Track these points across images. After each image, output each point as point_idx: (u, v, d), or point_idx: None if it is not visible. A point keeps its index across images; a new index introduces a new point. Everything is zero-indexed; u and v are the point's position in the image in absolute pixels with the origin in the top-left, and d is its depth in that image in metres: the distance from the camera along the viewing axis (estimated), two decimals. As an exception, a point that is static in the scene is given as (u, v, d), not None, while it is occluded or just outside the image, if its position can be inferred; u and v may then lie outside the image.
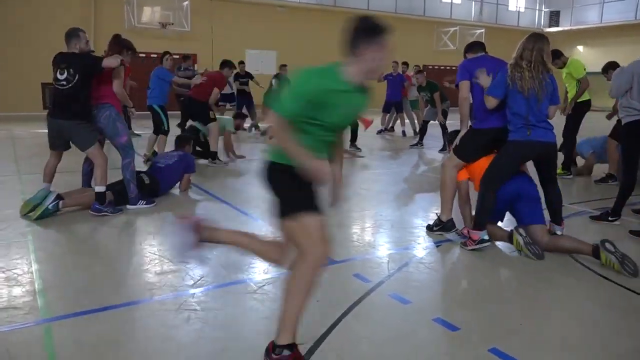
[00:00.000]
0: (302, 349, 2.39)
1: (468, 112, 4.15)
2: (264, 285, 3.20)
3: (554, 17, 28.36)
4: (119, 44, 5.03)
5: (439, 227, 4.27)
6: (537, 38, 3.72)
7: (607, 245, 3.51)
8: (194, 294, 3.07)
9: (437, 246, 4.05)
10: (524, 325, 2.74)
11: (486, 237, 3.83)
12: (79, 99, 4.62)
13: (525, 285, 3.41)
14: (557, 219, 4.04)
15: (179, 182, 5.74)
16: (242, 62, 12.20)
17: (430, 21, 24.39)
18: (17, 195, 5.41)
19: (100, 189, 4.70)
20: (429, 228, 4.38)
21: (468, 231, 3.95)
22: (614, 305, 3.00)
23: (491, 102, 3.82)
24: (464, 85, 4.10)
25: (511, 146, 3.79)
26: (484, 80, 3.92)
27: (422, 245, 4.08)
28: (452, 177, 4.16)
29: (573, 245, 3.74)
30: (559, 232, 3.99)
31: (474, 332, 2.65)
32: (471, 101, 4.16)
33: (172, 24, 18.68)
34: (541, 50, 3.66)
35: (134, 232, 4.47)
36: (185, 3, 18.64)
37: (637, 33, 24.25)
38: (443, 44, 23.83)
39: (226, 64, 8.14)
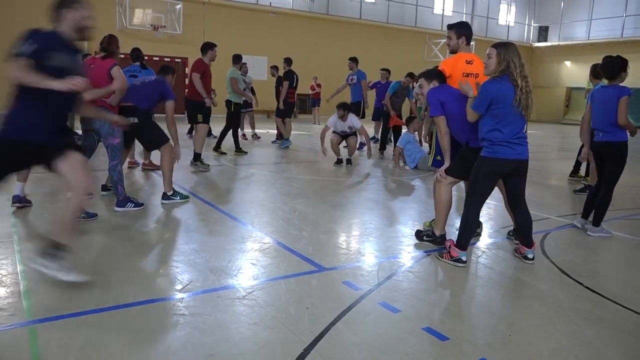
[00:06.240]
0: (292, 355, 2.38)
1: (450, 145, 4.12)
2: (253, 292, 3.18)
3: (543, 32, 28.86)
4: (118, 46, 5.04)
5: (430, 240, 4.28)
6: (514, 48, 3.65)
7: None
8: (183, 298, 3.04)
9: (427, 255, 4.06)
10: (514, 337, 2.75)
11: (464, 259, 3.82)
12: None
13: (514, 297, 3.44)
14: (526, 240, 3.92)
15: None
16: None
17: (422, 32, 24.66)
18: (2, 194, 5.33)
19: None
20: (418, 235, 4.38)
21: (450, 245, 3.91)
22: (604, 319, 3.02)
23: (474, 116, 3.74)
24: (441, 121, 4.07)
25: (484, 162, 3.72)
26: (466, 89, 3.87)
27: (411, 254, 4.08)
28: (447, 194, 4.16)
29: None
30: (530, 256, 3.90)
31: (463, 342, 2.65)
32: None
33: (164, 26, 18.65)
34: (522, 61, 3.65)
35: (121, 234, 4.42)
36: (178, 6, 18.63)
37: (623, 50, 24.67)
38: (434, 55, 24.07)
39: (204, 47, 7.76)
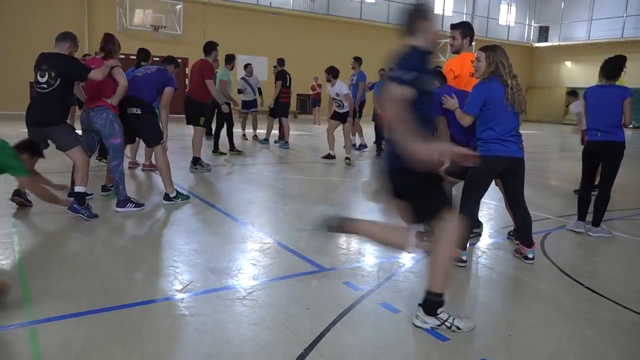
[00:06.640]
0: (292, 355, 2.38)
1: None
2: (253, 292, 3.18)
3: (543, 33, 28.84)
4: (116, 44, 5.01)
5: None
6: (502, 50, 3.74)
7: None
8: (183, 298, 3.04)
9: (427, 255, 4.05)
10: (514, 337, 2.75)
11: (464, 258, 3.84)
12: (59, 103, 4.55)
13: (515, 297, 3.44)
14: (526, 240, 3.94)
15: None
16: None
17: (422, 32, 24.60)
18: (3, 195, 5.33)
19: (80, 189, 4.61)
20: (419, 236, 4.38)
21: None
22: (604, 319, 3.02)
23: (468, 119, 3.79)
24: (442, 122, 4.09)
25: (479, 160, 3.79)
26: (451, 104, 3.93)
27: (411, 255, 4.08)
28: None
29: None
30: (530, 256, 3.92)
31: (463, 343, 2.65)
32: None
33: (165, 27, 18.65)
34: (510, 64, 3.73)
35: (122, 235, 4.42)
36: (178, 7, 18.64)
37: (623, 50, 24.60)
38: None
39: (209, 47, 7.55)
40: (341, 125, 9.05)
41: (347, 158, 8.80)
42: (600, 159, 4.79)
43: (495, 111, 3.66)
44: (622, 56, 4.80)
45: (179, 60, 7.02)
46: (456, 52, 4.50)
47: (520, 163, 3.79)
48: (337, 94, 8.77)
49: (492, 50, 3.72)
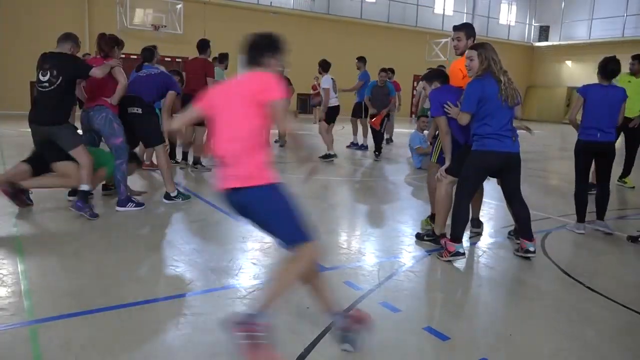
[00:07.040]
0: (293, 355, 2.39)
1: (451, 146, 4.14)
2: (253, 291, 3.18)
3: (544, 32, 28.80)
4: (108, 43, 5.00)
5: (431, 239, 4.28)
6: (491, 47, 3.81)
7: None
8: (183, 298, 3.04)
9: (427, 255, 4.06)
10: (514, 337, 2.75)
11: (461, 251, 3.85)
12: (61, 101, 4.56)
13: (515, 297, 3.44)
14: (527, 234, 3.96)
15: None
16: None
17: (422, 32, 24.63)
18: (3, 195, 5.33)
19: (84, 187, 4.63)
20: (419, 237, 4.39)
21: (445, 242, 3.96)
22: (604, 319, 3.02)
23: (466, 118, 3.81)
24: (442, 121, 4.10)
25: (474, 156, 3.82)
26: (454, 112, 3.95)
27: (412, 254, 4.08)
28: (447, 194, 4.17)
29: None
30: (531, 249, 3.93)
31: (464, 342, 2.65)
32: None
33: (165, 26, 18.65)
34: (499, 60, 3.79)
35: (122, 234, 4.42)
36: (179, 6, 18.63)
37: (624, 50, 24.58)
38: (434, 54, 24.03)
39: (205, 45, 7.47)
40: (333, 124, 9.09)
41: (325, 155, 8.83)
42: (597, 157, 4.84)
43: (490, 107, 3.72)
44: (635, 55, 4.88)
45: (180, 60, 6.98)
46: (461, 53, 4.48)
47: (516, 158, 3.84)
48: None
49: (482, 47, 3.79)
